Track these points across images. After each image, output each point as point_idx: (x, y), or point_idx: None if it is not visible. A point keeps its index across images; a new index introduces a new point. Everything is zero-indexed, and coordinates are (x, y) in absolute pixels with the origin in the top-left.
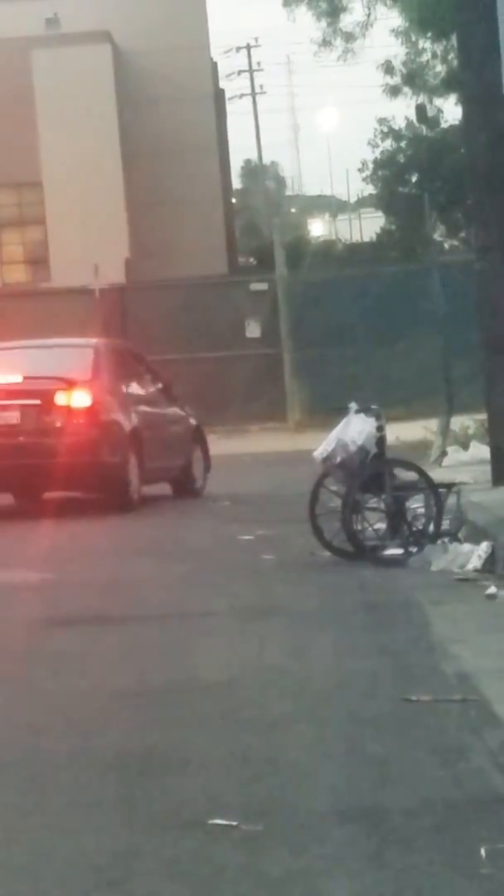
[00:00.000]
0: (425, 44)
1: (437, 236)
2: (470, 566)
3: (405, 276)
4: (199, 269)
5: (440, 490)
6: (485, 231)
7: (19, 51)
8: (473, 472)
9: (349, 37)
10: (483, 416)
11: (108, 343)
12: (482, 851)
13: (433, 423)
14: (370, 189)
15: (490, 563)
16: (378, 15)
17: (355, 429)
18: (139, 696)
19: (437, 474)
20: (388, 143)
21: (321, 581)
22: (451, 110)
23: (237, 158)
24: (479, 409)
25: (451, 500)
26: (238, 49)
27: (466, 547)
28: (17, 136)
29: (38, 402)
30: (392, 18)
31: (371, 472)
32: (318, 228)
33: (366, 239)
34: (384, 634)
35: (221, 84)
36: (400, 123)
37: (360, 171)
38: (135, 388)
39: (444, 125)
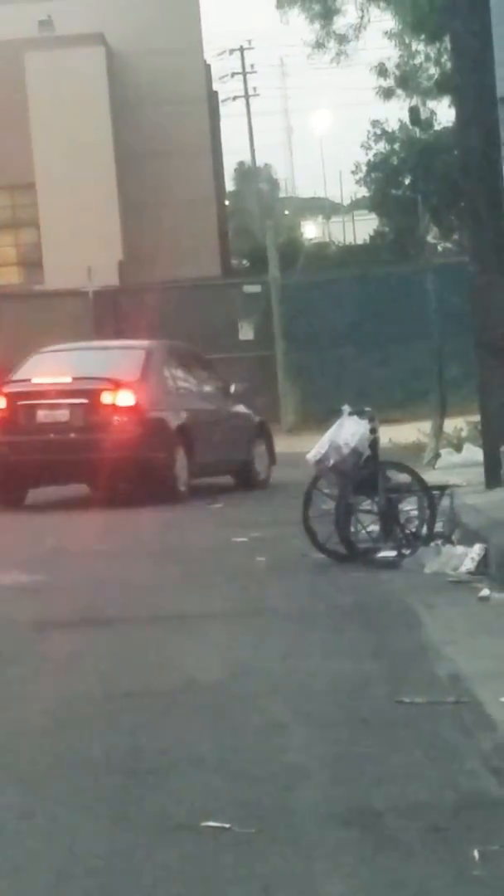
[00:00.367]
0: (418, 46)
1: (430, 238)
2: (463, 568)
3: (399, 278)
4: (193, 271)
5: (433, 492)
6: (478, 233)
7: (13, 53)
8: (466, 474)
9: (342, 39)
10: (476, 419)
11: (162, 345)
12: (475, 853)
13: (426, 426)
14: (363, 191)
15: (483, 566)
16: (371, 17)
17: (348, 431)
18: (131, 698)
19: (430, 477)
20: (382, 146)
21: (314, 583)
22: (444, 112)
23: (230, 161)
24: (472, 412)
25: (444, 503)
26: (231, 51)
27: (459, 549)
28: (11, 137)
29: (85, 401)
30: (385, 21)
31: (364, 474)
32: (311, 231)
33: (359, 241)
34: (377, 636)
35: (215, 86)
36: (393, 126)
37: (354, 173)
38: (188, 388)
39: (437, 127)
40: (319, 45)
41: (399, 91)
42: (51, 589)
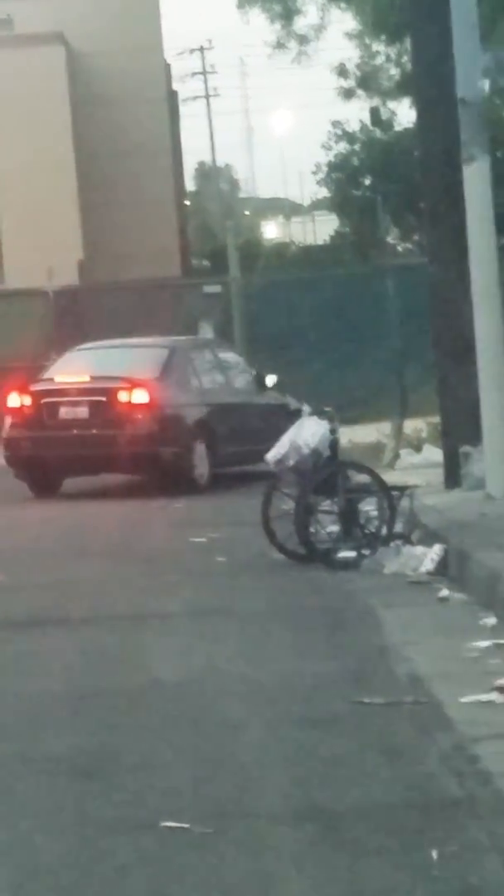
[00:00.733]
0: (379, 47)
1: (390, 239)
2: (422, 569)
3: (359, 278)
4: (153, 271)
5: (393, 493)
6: (438, 234)
7: None
8: (426, 474)
9: (303, 39)
10: (436, 419)
11: (188, 342)
12: (433, 853)
13: (386, 426)
14: (324, 192)
15: (442, 566)
16: (332, 18)
17: (308, 431)
18: (91, 699)
19: (390, 477)
20: (342, 146)
21: (274, 583)
22: (404, 113)
23: (191, 161)
24: (432, 412)
25: (403, 503)
26: (192, 51)
27: (419, 550)
28: None
29: (103, 399)
30: (346, 21)
31: (324, 474)
32: (271, 231)
33: (320, 241)
34: (337, 637)
35: (175, 86)
36: (354, 126)
37: (314, 173)
38: (214, 382)
39: (397, 128)
40: (280, 45)
41: (360, 92)
42: (8, 589)
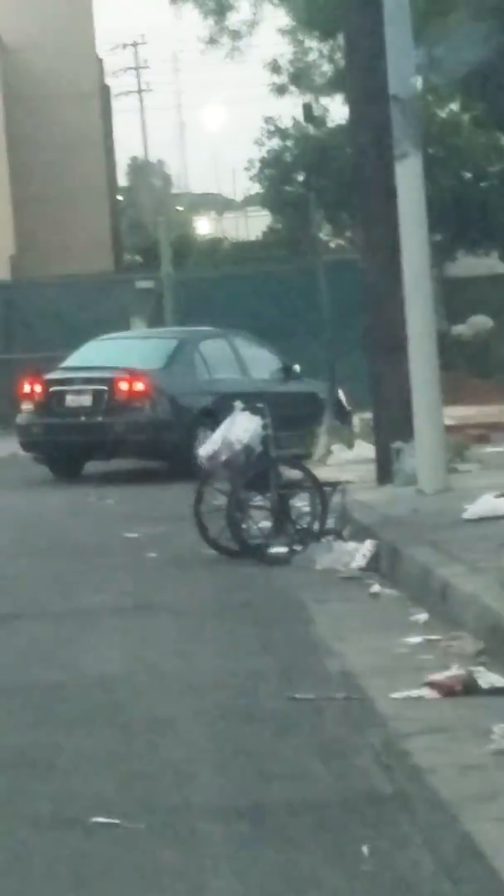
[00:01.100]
0: (312, 43)
1: (322, 235)
2: (354, 565)
3: (291, 274)
4: (85, 265)
5: (325, 488)
6: (370, 230)
7: None
8: (358, 470)
9: (236, 35)
10: (368, 415)
11: (200, 333)
12: (364, 849)
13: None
14: (257, 187)
15: (374, 562)
16: (265, 14)
17: (241, 427)
18: (19, 694)
19: (322, 473)
20: (275, 142)
21: (205, 579)
22: (337, 110)
23: (123, 156)
24: (364, 408)
25: (335, 499)
26: (124, 46)
27: (351, 545)
28: None
29: (104, 388)
30: (279, 17)
31: (256, 470)
32: (204, 226)
33: (252, 237)
34: (268, 632)
35: (107, 81)
36: (287, 122)
37: (247, 169)
38: (226, 371)
39: (330, 125)
40: (213, 41)
41: (292, 88)
42: None
